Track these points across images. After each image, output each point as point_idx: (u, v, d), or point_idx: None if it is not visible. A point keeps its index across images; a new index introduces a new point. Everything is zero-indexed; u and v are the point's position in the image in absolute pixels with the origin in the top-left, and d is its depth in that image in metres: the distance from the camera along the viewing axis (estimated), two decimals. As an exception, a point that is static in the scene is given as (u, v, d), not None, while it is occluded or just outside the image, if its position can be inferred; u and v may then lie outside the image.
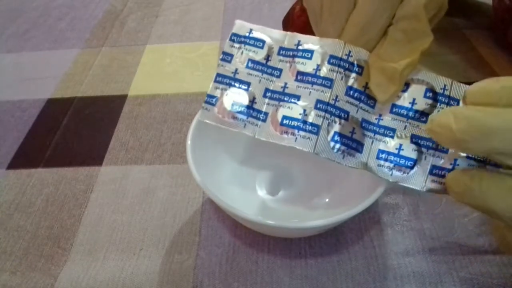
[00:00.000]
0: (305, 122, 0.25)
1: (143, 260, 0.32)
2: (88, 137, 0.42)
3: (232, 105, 0.27)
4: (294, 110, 0.26)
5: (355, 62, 0.26)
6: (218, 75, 0.28)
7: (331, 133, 0.25)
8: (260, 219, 0.27)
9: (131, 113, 0.45)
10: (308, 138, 0.25)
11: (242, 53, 0.28)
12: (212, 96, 0.27)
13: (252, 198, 0.34)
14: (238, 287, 0.30)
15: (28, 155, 0.41)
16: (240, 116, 0.26)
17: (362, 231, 0.33)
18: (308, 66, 0.26)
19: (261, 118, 0.26)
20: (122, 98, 0.47)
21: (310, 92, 0.26)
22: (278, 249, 0.32)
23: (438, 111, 0.25)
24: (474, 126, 0.19)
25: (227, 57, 0.28)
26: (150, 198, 0.36)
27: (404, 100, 0.26)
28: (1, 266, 0.32)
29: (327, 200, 0.33)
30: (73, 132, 0.43)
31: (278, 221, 0.27)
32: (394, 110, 0.26)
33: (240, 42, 0.28)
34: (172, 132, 0.42)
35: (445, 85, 0.25)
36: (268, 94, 0.27)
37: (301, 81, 0.26)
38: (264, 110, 0.26)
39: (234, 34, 0.28)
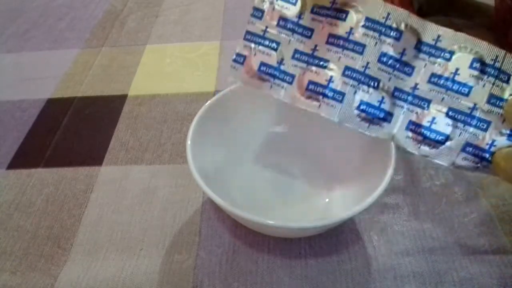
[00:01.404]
0: (330, 88, 0.25)
1: (143, 260, 0.32)
2: (88, 137, 0.42)
3: (260, 65, 0.26)
4: (321, 75, 0.25)
5: (394, 25, 0.24)
6: (248, 32, 0.27)
7: (357, 102, 0.24)
8: (260, 219, 0.27)
9: (131, 113, 0.45)
10: (332, 105, 0.24)
11: (273, 8, 0.26)
12: (240, 55, 0.26)
13: (252, 198, 0.34)
14: (238, 287, 0.30)
15: (28, 155, 0.41)
16: (267, 77, 0.26)
17: (362, 231, 0.33)
18: (341, 29, 0.25)
19: (288, 80, 0.26)
20: (122, 98, 0.47)
21: (340, 57, 0.25)
22: (278, 249, 0.32)
23: (484, 84, 0.23)
24: None
25: (257, 13, 0.27)
26: (150, 198, 0.36)
27: (446, 70, 0.24)
28: (1, 266, 0.32)
29: (327, 200, 0.33)
30: (73, 132, 0.43)
31: (278, 221, 0.26)
32: (433, 79, 0.24)
33: None
34: (172, 132, 0.42)
35: (497, 56, 0.23)
36: (297, 55, 0.26)
37: (332, 44, 0.25)
38: (291, 72, 0.26)
39: None
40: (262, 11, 0.26)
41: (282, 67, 0.26)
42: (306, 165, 0.36)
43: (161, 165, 0.39)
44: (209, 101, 0.34)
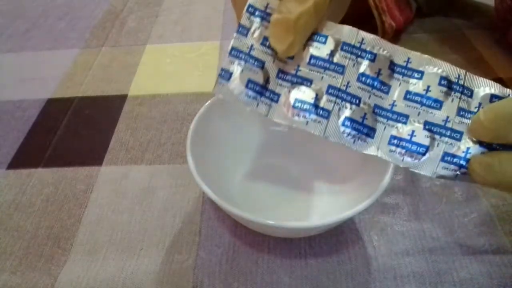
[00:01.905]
0: (316, 106, 0.26)
1: (143, 260, 0.32)
2: (88, 137, 0.42)
3: (247, 83, 0.27)
4: (307, 93, 0.26)
5: (368, 49, 0.26)
6: (233, 48, 0.27)
7: (342, 118, 0.26)
8: (260, 219, 0.27)
9: (131, 113, 0.45)
10: (319, 122, 0.26)
11: (258, 27, 0.27)
12: (226, 71, 0.27)
13: (252, 198, 0.34)
14: (238, 287, 0.30)
15: (28, 155, 0.41)
16: (254, 94, 0.27)
17: (362, 231, 0.33)
18: (322, 51, 0.27)
19: (274, 98, 0.27)
20: (122, 98, 0.47)
21: (323, 77, 0.26)
22: (278, 249, 0.32)
23: (453, 99, 0.25)
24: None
25: (243, 30, 0.27)
26: (150, 198, 0.36)
27: (419, 87, 0.26)
28: (1, 266, 0.32)
29: (327, 200, 0.33)
30: (73, 132, 0.43)
31: (278, 221, 0.27)
32: (408, 96, 0.26)
33: (256, 16, 0.27)
34: (172, 132, 0.42)
35: (459, 75, 0.26)
36: (281, 75, 0.27)
37: (314, 65, 0.26)
38: (277, 91, 0.27)
39: (251, 6, 0.28)
40: (248, 29, 0.27)
41: (268, 86, 0.27)
42: (306, 165, 0.36)
43: (161, 165, 0.39)
44: (209, 101, 0.34)
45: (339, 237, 0.32)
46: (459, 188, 0.35)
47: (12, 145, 0.42)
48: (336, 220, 0.27)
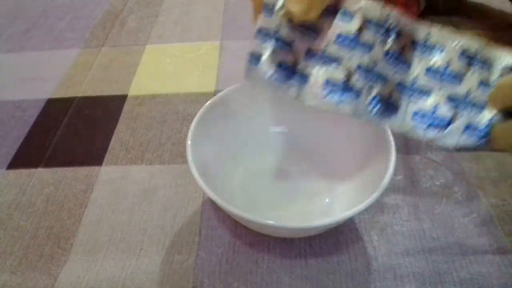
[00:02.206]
0: (346, 86, 0.26)
1: (143, 260, 0.32)
2: (88, 137, 0.42)
3: (277, 66, 0.27)
4: (336, 74, 0.26)
5: (393, 26, 0.27)
6: (261, 30, 0.27)
7: (370, 97, 0.26)
8: (260, 219, 0.27)
9: (131, 113, 0.45)
10: (349, 102, 0.26)
11: (282, 6, 0.27)
12: (255, 54, 0.27)
13: (252, 198, 0.34)
14: (238, 287, 0.30)
15: (28, 155, 0.41)
16: (283, 77, 0.27)
17: (362, 231, 0.33)
18: (349, 29, 0.27)
19: (304, 80, 0.27)
20: (122, 98, 0.47)
21: (351, 56, 0.27)
22: (278, 249, 0.32)
23: (473, 72, 0.26)
24: None
25: (268, 9, 0.27)
26: (150, 198, 0.36)
27: (439, 62, 0.26)
28: (1, 266, 0.32)
29: (327, 200, 0.33)
30: (73, 132, 0.43)
31: (278, 221, 0.26)
32: (429, 72, 0.27)
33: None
34: (172, 132, 0.42)
35: (478, 48, 0.26)
36: (310, 56, 0.27)
37: (342, 44, 0.27)
38: (306, 72, 0.27)
39: None
40: (273, 7, 0.27)
41: (297, 68, 0.27)
42: (306, 165, 0.36)
43: (161, 165, 0.39)
44: (209, 101, 0.34)
45: (339, 237, 0.32)
46: (459, 188, 0.35)
47: (12, 145, 0.42)
48: (336, 220, 0.27)
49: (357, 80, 0.26)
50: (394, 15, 0.27)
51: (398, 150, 0.29)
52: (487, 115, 0.25)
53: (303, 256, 0.31)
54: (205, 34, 0.56)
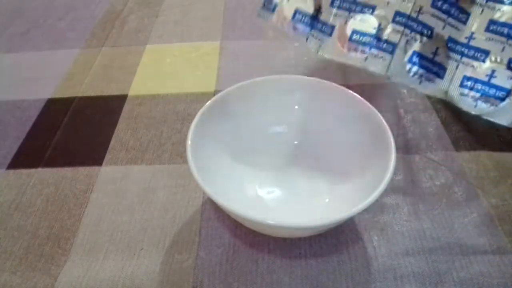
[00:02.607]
0: (379, 38, 0.22)
1: (143, 260, 0.32)
2: (88, 137, 0.42)
3: (295, 13, 0.23)
4: (367, 23, 0.22)
5: None
6: None
7: (409, 53, 0.22)
8: (260, 218, 0.27)
9: (131, 113, 0.45)
10: (381, 57, 0.22)
11: None
12: (270, 1, 0.23)
13: (253, 198, 0.34)
14: (238, 287, 0.30)
15: (28, 155, 0.41)
16: (302, 27, 0.23)
17: (362, 231, 0.33)
18: None
19: (327, 31, 0.23)
20: (122, 98, 0.47)
21: (388, 1, 0.22)
22: (278, 249, 0.32)
23: None
24: None
25: None
26: (150, 198, 0.36)
27: (507, 15, 0.21)
28: (1, 266, 0.32)
29: (327, 200, 0.33)
30: (73, 132, 0.43)
31: (278, 221, 0.26)
32: (492, 27, 0.21)
33: None
34: (172, 132, 0.42)
35: None
36: (337, 2, 0.23)
37: None
38: (330, 22, 0.23)
39: None
40: None
41: (320, 16, 0.23)
42: (306, 165, 0.36)
43: (161, 165, 0.39)
44: (209, 101, 0.34)
45: (339, 237, 0.32)
46: (459, 188, 0.35)
47: (12, 145, 0.42)
48: (336, 220, 0.27)
49: (394, 31, 0.22)
50: None
51: (398, 150, 0.29)
52: None
53: (303, 256, 0.31)
54: (205, 34, 0.56)
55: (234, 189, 0.34)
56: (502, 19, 0.21)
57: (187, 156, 0.29)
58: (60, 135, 0.43)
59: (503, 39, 0.21)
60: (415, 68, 0.22)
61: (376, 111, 0.32)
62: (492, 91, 0.21)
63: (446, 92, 0.22)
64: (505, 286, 0.29)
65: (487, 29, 0.21)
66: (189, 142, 0.30)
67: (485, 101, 0.21)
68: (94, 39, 0.57)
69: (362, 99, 0.34)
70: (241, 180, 0.35)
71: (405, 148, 0.39)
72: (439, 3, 0.21)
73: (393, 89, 0.45)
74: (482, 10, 0.21)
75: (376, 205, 0.34)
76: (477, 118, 0.27)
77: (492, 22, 0.21)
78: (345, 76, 0.47)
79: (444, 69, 0.22)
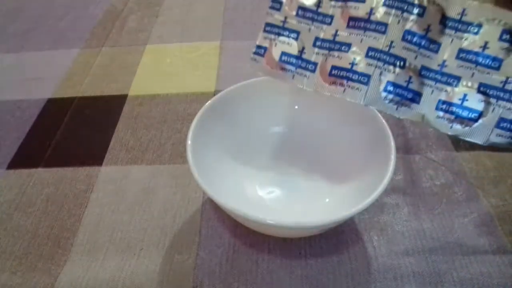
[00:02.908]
0: (354, 71, 0.24)
1: (143, 260, 0.32)
2: (88, 137, 0.42)
3: (281, 55, 0.26)
4: (344, 59, 0.24)
5: (416, 1, 0.24)
6: (267, 24, 0.27)
7: (384, 83, 0.24)
8: (260, 218, 0.27)
9: (131, 113, 0.45)
10: (358, 88, 0.24)
11: (291, 0, 0.26)
12: (260, 47, 0.27)
13: (253, 198, 0.34)
14: (238, 287, 0.30)
15: (28, 155, 0.41)
16: (288, 67, 0.26)
17: (362, 231, 0.33)
18: (361, 10, 0.24)
19: (310, 68, 0.26)
20: (122, 98, 0.47)
21: (362, 39, 0.24)
22: (278, 249, 0.32)
23: None
24: None
25: (276, 5, 0.27)
26: (150, 198, 0.36)
27: (474, 44, 0.23)
28: (1, 266, 0.32)
29: (327, 200, 0.33)
30: (73, 132, 0.43)
31: (278, 220, 0.26)
32: (461, 55, 0.23)
33: None
34: (172, 132, 0.42)
35: None
36: (318, 43, 0.26)
37: (353, 27, 0.24)
38: (313, 60, 0.26)
39: None
40: (281, 3, 0.27)
41: (303, 56, 0.26)
42: (306, 165, 0.36)
43: (161, 165, 0.39)
44: (209, 101, 0.34)
45: (339, 237, 0.32)
46: (459, 188, 0.35)
47: (12, 145, 0.42)
48: (336, 220, 0.27)
49: (368, 65, 0.24)
50: None
51: (398, 150, 0.29)
52: None
53: (303, 256, 0.31)
54: (205, 34, 0.56)
55: (234, 189, 0.34)
56: (470, 48, 0.23)
57: (187, 156, 0.29)
58: (60, 135, 0.43)
59: (472, 65, 0.23)
60: (390, 96, 0.24)
61: (376, 111, 0.32)
62: (465, 113, 0.23)
63: (423, 116, 0.24)
64: (505, 286, 0.29)
65: (457, 57, 0.23)
66: (189, 142, 0.30)
67: (460, 123, 0.23)
68: (94, 39, 0.57)
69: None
70: (241, 180, 0.35)
71: (405, 148, 0.39)
72: (409, 37, 0.24)
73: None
74: (452, 40, 0.23)
75: (376, 205, 0.34)
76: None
77: (461, 50, 0.23)
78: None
79: (419, 94, 0.24)
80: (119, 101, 0.46)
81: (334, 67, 0.25)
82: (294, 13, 0.26)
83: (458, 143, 0.39)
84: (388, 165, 0.28)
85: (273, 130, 0.37)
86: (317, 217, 0.27)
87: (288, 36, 0.26)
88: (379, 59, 0.24)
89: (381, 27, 0.24)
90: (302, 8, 0.26)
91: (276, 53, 0.26)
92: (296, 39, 0.26)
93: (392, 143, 0.30)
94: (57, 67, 0.52)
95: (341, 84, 0.25)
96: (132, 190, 0.37)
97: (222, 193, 0.28)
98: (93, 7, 0.65)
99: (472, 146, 0.38)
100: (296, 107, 0.37)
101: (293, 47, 0.26)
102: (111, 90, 0.48)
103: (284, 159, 0.37)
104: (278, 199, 0.34)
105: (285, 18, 0.26)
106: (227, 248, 0.32)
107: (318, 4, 0.26)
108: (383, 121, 0.31)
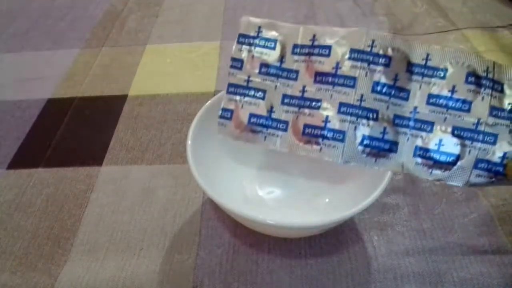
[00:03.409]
0: (329, 129, 0.24)
1: (143, 260, 0.32)
2: (88, 137, 0.42)
3: (249, 117, 0.25)
4: (316, 117, 0.24)
5: (381, 52, 0.23)
6: (230, 85, 0.26)
7: (359, 137, 0.23)
8: (260, 218, 0.27)
9: (131, 113, 0.45)
10: (334, 146, 0.24)
11: (252, 57, 0.25)
12: (227, 110, 0.26)
13: (252, 198, 0.34)
14: (238, 287, 0.30)
15: (28, 155, 0.41)
16: (259, 128, 0.25)
17: (362, 231, 0.33)
18: (326, 65, 0.24)
19: (281, 127, 0.25)
20: (122, 98, 0.47)
21: (332, 94, 0.24)
22: (278, 249, 0.32)
23: (483, 98, 0.23)
24: None
25: (237, 63, 0.26)
26: (150, 198, 0.36)
27: (443, 88, 0.23)
28: (1, 266, 0.32)
29: (327, 200, 0.33)
30: (73, 132, 0.43)
31: (278, 220, 0.26)
32: (431, 100, 0.23)
33: (249, 44, 0.25)
34: (172, 132, 0.42)
35: (487, 67, 0.23)
36: (287, 100, 0.25)
37: (321, 82, 0.24)
38: (283, 119, 0.25)
39: (242, 36, 0.26)
40: (241, 61, 0.26)
41: (273, 116, 0.25)
42: (306, 165, 0.36)
43: (161, 165, 0.39)
44: (209, 101, 0.34)
45: (339, 237, 0.32)
46: (459, 188, 0.35)
47: (12, 145, 0.42)
48: (336, 220, 0.27)
49: (341, 121, 0.23)
50: (381, 38, 0.23)
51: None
52: (501, 149, 0.22)
53: (303, 256, 0.31)
54: (205, 34, 0.56)
55: (234, 189, 0.34)
56: (439, 92, 0.23)
57: (187, 156, 0.29)
58: (60, 135, 0.43)
59: (443, 110, 0.23)
60: (367, 150, 0.23)
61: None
62: (443, 158, 0.23)
63: (402, 165, 0.24)
64: (505, 286, 0.29)
65: (428, 103, 0.23)
66: (189, 142, 0.30)
67: (439, 168, 0.23)
68: (94, 39, 0.57)
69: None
70: (241, 180, 0.35)
71: (405, 148, 0.39)
72: (379, 88, 0.23)
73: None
74: (420, 86, 0.23)
75: (376, 205, 0.34)
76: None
77: (431, 95, 0.23)
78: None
79: (396, 144, 0.24)
80: (119, 101, 0.46)
81: (307, 126, 0.24)
82: (256, 71, 0.25)
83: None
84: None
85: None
86: (317, 217, 0.27)
87: (254, 96, 0.25)
88: (351, 114, 0.23)
89: (350, 81, 0.23)
90: (265, 65, 0.25)
91: (243, 115, 0.25)
92: (263, 98, 0.25)
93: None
94: (57, 67, 0.52)
95: (317, 143, 0.24)
96: (132, 190, 0.37)
97: (222, 193, 0.28)
98: (93, 7, 0.65)
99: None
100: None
101: (261, 107, 0.25)
102: (111, 90, 0.48)
103: (284, 159, 0.37)
104: (278, 199, 0.34)
105: (248, 77, 0.25)
106: (227, 248, 0.32)
107: (280, 60, 0.25)
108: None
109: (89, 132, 0.43)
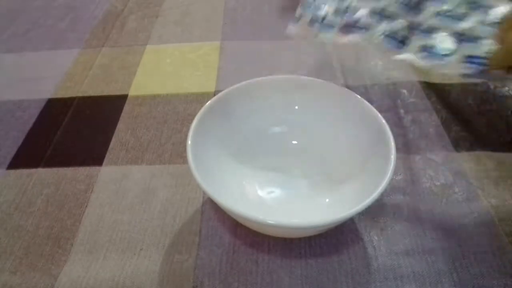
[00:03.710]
0: (360, 22, 0.33)
1: (143, 260, 0.32)
2: (88, 137, 0.42)
3: (311, 20, 0.35)
4: (353, 18, 0.33)
5: None
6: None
7: (381, 29, 0.32)
8: (260, 218, 0.27)
9: (131, 113, 0.45)
10: (362, 35, 0.33)
11: None
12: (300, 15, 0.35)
13: (252, 198, 0.34)
14: (238, 287, 0.30)
15: (28, 155, 0.41)
16: (316, 26, 0.35)
17: (362, 231, 0.33)
18: None
19: (331, 27, 0.34)
20: (122, 98, 0.47)
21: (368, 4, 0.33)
22: (278, 249, 0.32)
23: (475, 15, 0.31)
24: None
25: None
26: (150, 198, 0.36)
27: (448, 7, 0.32)
28: (1, 266, 0.32)
29: (327, 200, 0.33)
30: (73, 132, 0.43)
31: (278, 221, 0.26)
32: (438, 15, 0.32)
33: None
34: (172, 132, 0.42)
35: None
36: (337, 9, 0.35)
37: None
38: (332, 23, 0.34)
39: None
40: None
41: (327, 18, 0.35)
42: (306, 165, 0.36)
43: (161, 165, 0.39)
44: (209, 101, 0.34)
45: (339, 237, 0.32)
46: (459, 188, 0.35)
47: (12, 145, 0.42)
48: (336, 220, 0.27)
49: (371, 18, 0.33)
50: None
51: (398, 150, 0.29)
52: (485, 47, 0.30)
53: (303, 256, 0.31)
54: (205, 34, 0.56)
55: (234, 189, 0.34)
56: (443, 10, 0.32)
57: (187, 156, 0.29)
58: (60, 135, 0.43)
59: (446, 20, 0.32)
60: (387, 39, 0.32)
61: (376, 111, 0.32)
62: (442, 51, 0.31)
63: (408, 55, 0.32)
64: (505, 286, 0.29)
65: (436, 17, 0.32)
66: (189, 142, 0.30)
67: (438, 59, 0.31)
68: (94, 39, 0.57)
69: (362, 99, 0.34)
70: (241, 180, 0.35)
71: (405, 148, 0.39)
72: (402, 4, 0.33)
73: (393, 89, 0.45)
74: (431, 7, 0.33)
75: (376, 205, 0.34)
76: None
77: (437, 13, 0.33)
78: (345, 76, 0.47)
79: (408, 39, 0.32)
80: (119, 101, 0.46)
81: (346, 24, 0.34)
82: None
83: (458, 143, 0.39)
84: (388, 165, 0.28)
85: (273, 130, 0.37)
86: (317, 217, 0.27)
87: (318, 4, 0.35)
88: (379, 14, 0.33)
89: None
90: None
91: (308, 17, 0.35)
92: (324, 7, 0.35)
93: (392, 143, 0.30)
94: (57, 67, 0.52)
95: (351, 32, 0.33)
96: (132, 190, 0.37)
97: (222, 193, 0.28)
98: (93, 7, 0.65)
99: (472, 146, 0.38)
100: (296, 107, 0.37)
101: (321, 12, 0.35)
102: (111, 90, 0.48)
103: (284, 159, 0.37)
104: (278, 199, 0.34)
105: None
106: (227, 248, 0.32)
107: None
108: (383, 121, 0.31)
109: (89, 132, 0.43)
